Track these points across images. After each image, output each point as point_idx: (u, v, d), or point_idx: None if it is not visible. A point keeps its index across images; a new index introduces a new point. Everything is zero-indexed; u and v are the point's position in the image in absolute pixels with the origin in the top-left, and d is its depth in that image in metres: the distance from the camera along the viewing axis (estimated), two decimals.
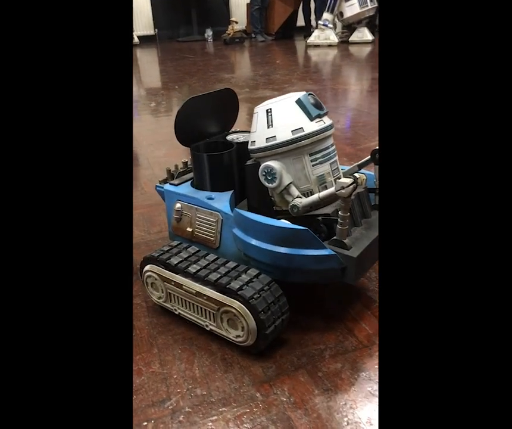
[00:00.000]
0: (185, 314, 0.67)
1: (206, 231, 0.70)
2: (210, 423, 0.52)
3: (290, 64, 3.42)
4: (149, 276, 0.70)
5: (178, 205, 0.74)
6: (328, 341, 0.63)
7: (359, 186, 0.66)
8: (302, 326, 0.66)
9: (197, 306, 0.64)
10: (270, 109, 0.65)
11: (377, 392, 0.54)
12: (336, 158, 0.68)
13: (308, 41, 4.42)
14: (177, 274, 0.66)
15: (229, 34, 4.98)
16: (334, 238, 0.60)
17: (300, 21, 5.20)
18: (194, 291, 0.63)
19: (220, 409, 0.54)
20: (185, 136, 0.75)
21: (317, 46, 4.30)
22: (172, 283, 0.66)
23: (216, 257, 0.67)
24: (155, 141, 1.64)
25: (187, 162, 0.83)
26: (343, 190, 0.55)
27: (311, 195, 0.64)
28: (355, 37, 4.33)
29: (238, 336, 0.61)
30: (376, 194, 0.71)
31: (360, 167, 0.71)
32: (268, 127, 0.65)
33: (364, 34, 4.28)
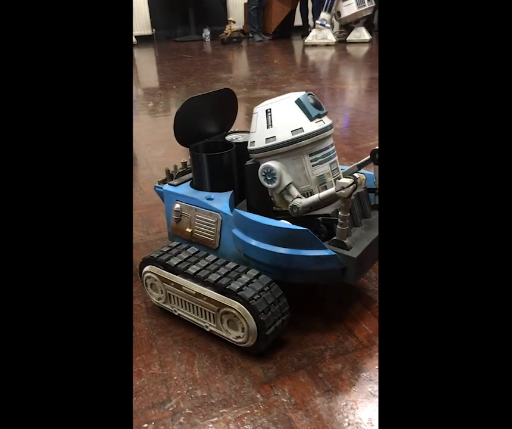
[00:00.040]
0: (185, 315, 0.67)
1: (206, 232, 0.70)
2: (211, 425, 0.52)
3: (287, 64, 3.42)
4: (149, 277, 0.70)
5: (177, 205, 0.74)
6: (329, 342, 0.63)
7: (359, 186, 0.65)
8: (303, 327, 0.66)
9: (197, 307, 0.64)
10: (270, 109, 0.65)
11: (377, 393, 0.54)
12: (336, 158, 0.68)
13: (305, 41, 4.42)
14: (176, 275, 0.66)
15: (227, 34, 4.98)
16: (334, 238, 0.60)
17: (298, 21, 5.20)
18: (194, 292, 0.63)
19: (221, 411, 0.54)
20: (184, 136, 0.75)
21: (314, 45, 4.31)
22: (172, 284, 0.66)
23: (216, 257, 0.67)
24: (153, 141, 1.64)
25: (186, 162, 0.83)
26: (343, 191, 0.55)
27: (311, 195, 0.64)
28: (352, 36, 4.33)
29: (238, 337, 0.60)
30: (376, 194, 0.71)
31: (360, 167, 0.71)
32: (267, 127, 0.64)
33: (362, 33, 4.28)
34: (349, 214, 0.58)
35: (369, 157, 0.68)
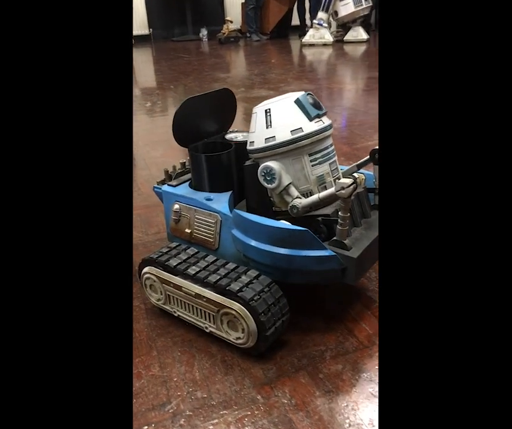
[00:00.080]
0: (184, 316, 0.67)
1: (205, 232, 0.70)
2: (211, 427, 0.52)
3: (285, 63, 3.42)
4: (148, 278, 0.69)
5: (176, 206, 0.73)
6: (329, 342, 0.63)
7: (358, 186, 0.65)
8: (303, 327, 0.66)
9: (196, 308, 0.64)
10: (269, 109, 0.65)
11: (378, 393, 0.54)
12: (335, 158, 0.68)
13: (303, 40, 4.42)
14: (176, 276, 0.65)
15: (224, 33, 4.98)
16: (334, 238, 0.59)
17: (295, 20, 5.20)
18: (194, 293, 0.63)
19: (221, 412, 0.53)
20: (183, 136, 0.75)
21: (311, 45, 4.31)
22: (171, 285, 0.66)
23: (215, 258, 0.67)
24: (151, 141, 1.63)
25: (184, 163, 0.83)
26: (343, 191, 0.55)
27: (311, 195, 0.64)
28: (349, 36, 4.33)
29: (238, 338, 0.60)
30: (375, 194, 0.71)
31: (359, 167, 0.71)
32: (267, 128, 0.64)
33: (359, 33, 4.28)
34: (349, 214, 0.57)
35: (368, 156, 0.68)
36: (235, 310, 0.58)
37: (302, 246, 0.59)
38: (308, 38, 4.35)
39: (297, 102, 0.64)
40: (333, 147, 0.67)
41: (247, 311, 0.58)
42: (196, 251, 0.69)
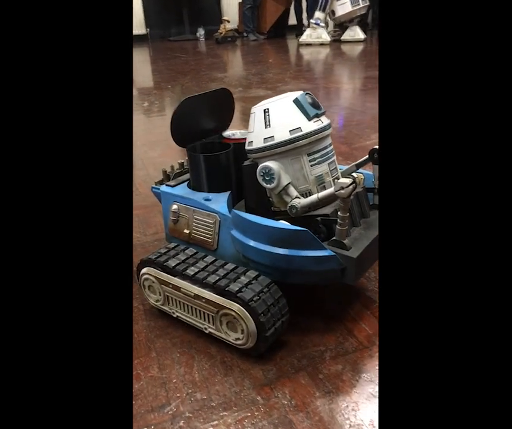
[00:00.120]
0: (183, 317, 0.66)
1: (204, 233, 0.70)
2: (211, 428, 0.51)
3: (282, 63, 3.42)
4: (146, 279, 0.69)
5: (175, 206, 0.73)
6: (329, 343, 0.63)
7: (357, 186, 0.65)
8: (302, 328, 0.66)
9: (195, 309, 0.63)
10: (267, 109, 0.65)
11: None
12: (334, 158, 0.68)
13: (300, 40, 4.42)
14: (174, 276, 0.65)
15: (221, 33, 4.97)
16: (334, 238, 0.59)
17: (292, 20, 5.20)
18: (193, 294, 0.62)
19: (221, 414, 0.53)
20: (181, 136, 0.74)
21: (309, 44, 4.31)
22: (170, 286, 0.65)
23: (214, 259, 0.67)
24: (149, 141, 1.63)
25: (183, 163, 0.82)
26: (342, 191, 0.55)
27: (310, 195, 0.64)
28: (347, 35, 4.33)
29: (238, 339, 0.60)
30: (374, 194, 0.71)
31: (358, 166, 0.71)
32: (265, 127, 0.64)
33: (356, 32, 4.29)
34: (348, 214, 0.57)
35: (367, 156, 0.68)
36: (234, 311, 0.58)
37: (302, 247, 0.58)
38: (305, 37, 4.35)
39: (296, 101, 0.64)
40: (331, 147, 0.67)
41: (246, 312, 0.57)
42: (195, 251, 0.69)
